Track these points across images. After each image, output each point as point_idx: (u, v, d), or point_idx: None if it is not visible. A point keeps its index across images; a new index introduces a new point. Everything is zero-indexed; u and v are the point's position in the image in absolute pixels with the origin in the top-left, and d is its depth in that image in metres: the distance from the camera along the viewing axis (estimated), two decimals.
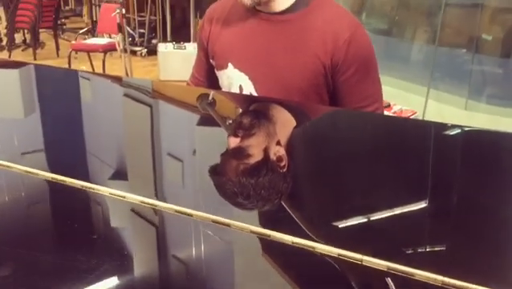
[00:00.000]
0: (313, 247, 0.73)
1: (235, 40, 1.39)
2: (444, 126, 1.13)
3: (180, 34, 6.46)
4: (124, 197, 0.96)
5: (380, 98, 1.35)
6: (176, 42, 5.58)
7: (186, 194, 1.04)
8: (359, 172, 1.03)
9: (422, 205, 0.84)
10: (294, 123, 1.28)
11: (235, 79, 1.39)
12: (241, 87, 1.39)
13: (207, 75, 1.52)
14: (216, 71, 1.45)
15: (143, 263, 0.81)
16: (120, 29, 4.10)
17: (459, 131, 1.12)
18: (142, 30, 6.86)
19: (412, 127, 1.27)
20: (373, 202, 0.87)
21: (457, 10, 4.09)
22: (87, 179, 1.01)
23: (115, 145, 1.31)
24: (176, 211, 0.92)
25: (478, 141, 1.05)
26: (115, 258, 0.78)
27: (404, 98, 3.31)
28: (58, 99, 1.59)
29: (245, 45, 1.37)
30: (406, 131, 1.19)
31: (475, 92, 3.52)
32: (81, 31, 6.64)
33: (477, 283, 0.55)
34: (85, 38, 6.65)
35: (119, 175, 1.10)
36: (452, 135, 1.09)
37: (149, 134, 1.31)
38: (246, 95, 1.39)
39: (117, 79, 2.08)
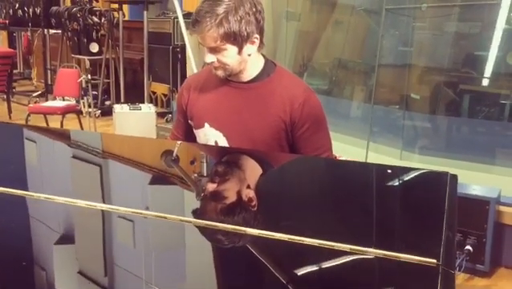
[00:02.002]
0: None
1: (210, 104, 1.68)
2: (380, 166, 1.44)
3: (132, 96, 6.70)
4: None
5: (330, 147, 1.67)
6: (131, 104, 5.80)
7: (136, 255, 1.04)
8: (314, 204, 1.28)
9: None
10: (260, 169, 1.57)
11: (211, 136, 1.67)
12: (216, 143, 1.67)
13: (185, 133, 1.80)
14: (194, 129, 1.73)
15: None
16: (86, 93, 4.33)
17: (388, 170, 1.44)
18: (95, 92, 7.06)
19: (357, 168, 1.58)
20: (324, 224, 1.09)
21: (389, 71, 4.58)
22: (30, 245, 0.98)
23: (63, 207, 1.22)
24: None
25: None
26: None
27: (347, 151, 3.68)
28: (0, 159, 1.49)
29: (219, 108, 1.67)
30: (351, 171, 1.50)
31: (408, 145, 3.96)
32: (35, 94, 6.76)
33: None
34: (36, 101, 6.76)
35: (66, 239, 1.07)
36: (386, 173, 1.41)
37: (99, 194, 1.31)
38: (220, 147, 1.65)
39: (65, 136, 2.02)
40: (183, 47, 6.11)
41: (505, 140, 3.83)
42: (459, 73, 4.38)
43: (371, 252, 0.80)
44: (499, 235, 2.89)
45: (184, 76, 6.01)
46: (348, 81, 5.12)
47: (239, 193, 1.33)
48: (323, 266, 0.88)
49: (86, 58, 6.73)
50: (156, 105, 6.54)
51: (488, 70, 4.19)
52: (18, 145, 1.75)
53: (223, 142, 1.66)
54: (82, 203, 1.16)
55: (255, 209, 1.25)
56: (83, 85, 4.25)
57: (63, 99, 5.88)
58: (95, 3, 7.20)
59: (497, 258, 2.91)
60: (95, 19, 6.64)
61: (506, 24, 3.98)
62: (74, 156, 1.64)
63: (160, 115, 6.08)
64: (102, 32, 6.88)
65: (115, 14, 6.81)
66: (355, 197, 1.24)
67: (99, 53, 6.74)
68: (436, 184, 1.13)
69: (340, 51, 5.28)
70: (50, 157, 1.68)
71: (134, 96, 6.55)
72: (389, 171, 1.44)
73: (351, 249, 0.78)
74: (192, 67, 3.65)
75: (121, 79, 6.68)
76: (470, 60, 4.41)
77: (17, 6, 7.41)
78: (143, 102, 6.19)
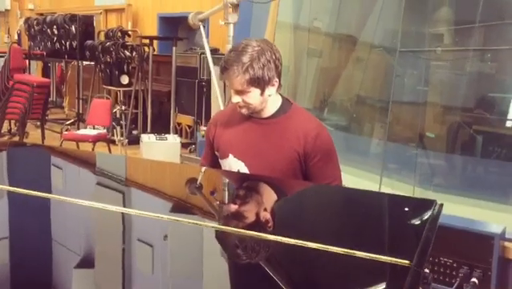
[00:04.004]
0: None
1: (234, 137, 1.92)
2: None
3: (158, 126, 7.01)
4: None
5: (339, 177, 1.89)
6: (158, 134, 6.09)
7: (154, 281, 1.07)
8: (319, 219, 1.46)
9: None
10: (275, 195, 1.78)
11: (234, 165, 1.90)
12: (238, 171, 1.90)
13: (212, 162, 2.03)
14: (220, 159, 1.97)
15: None
16: (119, 122, 4.63)
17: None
18: (123, 122, 7.39)
19: (361, 195, 1.78)
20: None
21: (404, 109, 4.76)
22: (50, 268, 1.01)
23: (84, 232, 1.28)
24: None
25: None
26: None
27: (361, 185, 3.85)
28: (27, 184, 1.51)
29: (242, 141, 1.90)
30: (354, 195, 1.71)
31: (421, 181, 4.12)
32: (68, 122, 7.12)
33: None
34: (68, 129, 7.12)
35: (86, 263, 1.09)
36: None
37: (120, 220, 1.33)
38: (241, 173, 1.87)
39: (90, 163, 2.06)
40: (208, 81, 6.43)
41: None
42: (472, 113, 4.52)
43: (361, 254, 1.01)
44: (504, 269, 3.00)
45: (208, 109, 6.31)
46: (366, 118, 5.30)
47: (257, 214, 1.52)
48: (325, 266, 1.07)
49: (116, 89, 7.10)
50: (180, 136, 6.83)
51: (501, 111, 4.35)
52: (48, 166, 1.89)
53: (245, 171, 1.89)
54: (100, 205, 1.28)
55: (271, 229, 1.42)
56: (117, 115, 4.56)
57: (93, 128, 6.22)
58: (127, 38, 7.62)
59: None
60: (127, 53, 7.02)
61: None
62: (98, 183, 1.75)
63: (184, 145, 6.36)
64: (133, 65, 7.26)
65: (146, 48, 7.19)
66: (355, 215, 1.45)
67: (129, 85, 7.10)
68: (424, 208, 1.34)
69: (360, 89, 5.46)
70: (74, 180, 1.79)
71: (160, 127, 6.86)
72: (389, 197, 1.64)
73: (344, 252, 1.00)
74: (217, 98, 3.92)
75: (149, 110, 7.00)
76: (483, 102, 4.56)
77: (55, 39, 7.88)
78: (168, 132, 6.49)
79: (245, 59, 1.74)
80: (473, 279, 2.98)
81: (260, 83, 1.77)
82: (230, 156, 1.91)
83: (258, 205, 1.63)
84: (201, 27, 3.99)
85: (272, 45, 1.83)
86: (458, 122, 4.52)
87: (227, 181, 1.99)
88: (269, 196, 1.75)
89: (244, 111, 1.85)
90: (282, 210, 1.61)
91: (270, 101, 1.86)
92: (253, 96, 1.80)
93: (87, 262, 1.08)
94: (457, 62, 4.74)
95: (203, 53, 6.58)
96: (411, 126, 4.59)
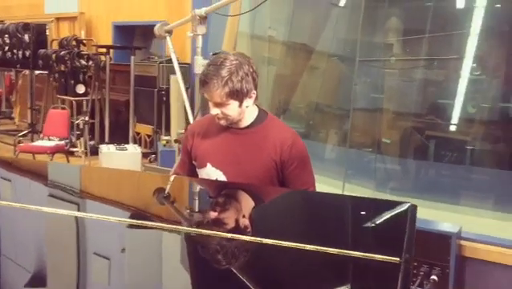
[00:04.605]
0: None
1: (212, 147, 1.98)
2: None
3: (116, 136, 6.91)
4: None
5: (314, 183, 1.98)
6: (117, 144, 6.01)
7: None
8: (308, 225, 1.54)
9: None
10: (252, 202, 1.85)
11: (212, 174, 1.96)
12: (216, 180, 1.96)
13: (188, 171, 2.08)
14: (197, 169, 2.02)
15: None
16: (82, 133, 4.56)
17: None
18: (78, 132, 7.24)
19: (336, 200, 1.87)
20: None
21: (362, 116, 4.93)
22: None
23: (35, 247, 1.21)
24: None
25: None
26: None
27: (325, 191, 3.97)
28: None
29: (219, 150, 1.96)
30: (326, 200, 1.80)
31: (380, 186, 4.29)
32: (21, 134, 6.92)
33: None
34: (20, 141, 6.91)
35: (38, 280, 1.03)
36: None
37: (75, 233, 1.28)
38: (220, 181, 1.93)
39: (43, 175, 1.98)
40: (167, 90, 6.42)
41: (466, 183, 4.19)
42: (425, 119, 4.75)
43: (355, 254, 1.09)
44: (461, 266, 3.18)
45: (168, 118, 6.29)
46: (325, 125, 5.44)
47: (237, 221, 1.59)
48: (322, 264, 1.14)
49: (72, 98, 6.95)
50: (139, 145, 6.76)
51: (451, 117, 4.58)
52: None
53: (223, 179, 1.94)
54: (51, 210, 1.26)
55: (250, 235, 1.49)
56: (81, 126, 4.48)
57: (49, 139, 6.07)
58: (82, 47, 7.50)
59: (460, 287, 3.21)
60: (83, 62, 6.91)
61: (466, 77, 4.39)
62: (50, 195, 1.67)
63: (144, 155, 6.29)
64: (89, 74, 7.13)
65: (102, 57, 7.10)
66: (337, 218, 1.53)
67: (85, 94, 6.96)
68: (401, 210, 1.44)
69: (318, 96, 5.60)
70: (25, 194, 1.69)
71: (118, 136, 6.75)
72: (365, 201, 1.75)
73: (338, 252, 1.08)
74: (184, 106, 3.94)
75: (106, 119, 6.89)
76: (434, 108, 4.80)
77: (6, 48, 7.65)
78: (127, 142, 6.41)
79: (224, 72, 1.81)
80: (433, 277, 3.14)
81: (239, 95, 1.84)
82: (208, 165, 1.96)
83: (236, 212, 1.69)
84: (168, 38, 4.02)
85: (249, 58, 1.90)
86: (412, 128, 4.73)
87: (197, 188, 2.04)
88: (246, 204, 1.81)
89: (223, 122, 1.91)
90: (269, 216, 1.68)
91: (247, 112, 1.93)
92: (232, 108, 1.87)
93: (38, 280, 1.03)
94: (410, 70, 4.97)
95: (162, 62, 6.58)
96: (369, 133, 4.77)
